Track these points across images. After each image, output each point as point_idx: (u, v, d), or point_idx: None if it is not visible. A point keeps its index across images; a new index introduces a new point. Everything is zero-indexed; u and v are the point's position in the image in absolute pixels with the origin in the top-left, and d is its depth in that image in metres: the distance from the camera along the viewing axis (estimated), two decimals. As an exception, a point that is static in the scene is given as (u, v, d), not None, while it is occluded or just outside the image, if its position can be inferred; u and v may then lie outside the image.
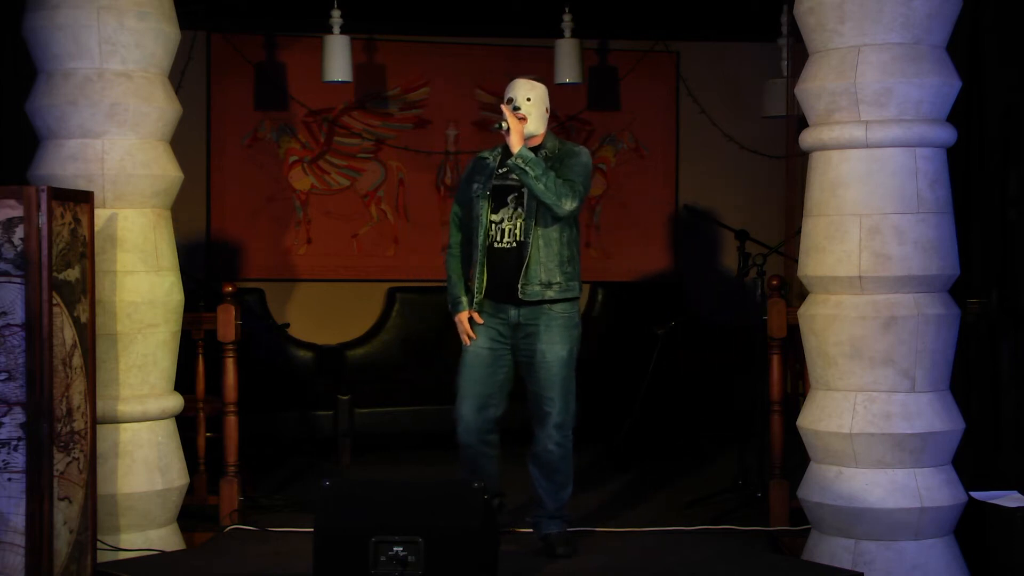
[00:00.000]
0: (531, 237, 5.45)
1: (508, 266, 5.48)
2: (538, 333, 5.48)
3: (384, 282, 9.01)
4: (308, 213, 9.14)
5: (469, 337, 5.55)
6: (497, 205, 5.52)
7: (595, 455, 7.40)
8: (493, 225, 5.51)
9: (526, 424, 5.66)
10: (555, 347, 5.50)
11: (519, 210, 5.48)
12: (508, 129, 5.42)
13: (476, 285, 5.53)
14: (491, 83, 9.27)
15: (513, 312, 5.50)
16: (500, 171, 5.56)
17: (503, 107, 5.49)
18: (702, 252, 9.25)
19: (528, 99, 5.50)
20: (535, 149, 5.50)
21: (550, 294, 5.47)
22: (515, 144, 5.40)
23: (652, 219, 9.58)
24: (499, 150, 5.62)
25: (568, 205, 5.39)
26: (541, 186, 5.35)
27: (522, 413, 5.67)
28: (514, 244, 5.48)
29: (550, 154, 5.52)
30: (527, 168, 5.36)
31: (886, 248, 5.03)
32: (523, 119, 5.46)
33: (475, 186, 5.58)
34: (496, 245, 5.51)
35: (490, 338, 5.55)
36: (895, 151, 5.04)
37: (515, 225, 5.48)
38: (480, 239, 5.52)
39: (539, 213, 5.45)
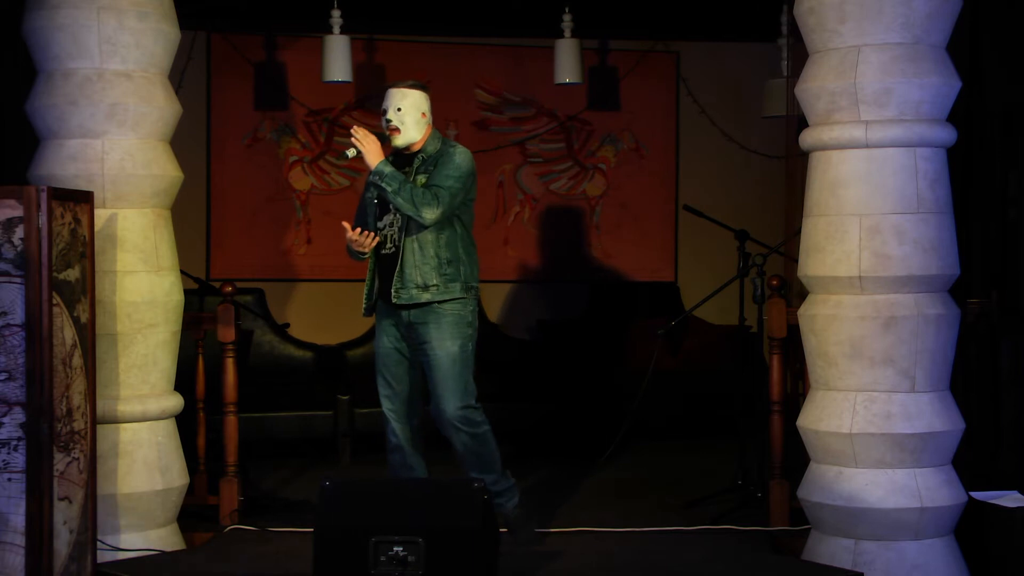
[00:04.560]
0: (403, 242, 5.51)
1: (390, 271, 5.55)
2: (428, 331, 5.52)
3: (384, 282, 8.97)
4: (308, 213, 9.14)
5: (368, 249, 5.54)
6: (382, 212, 5.61)
7: (594, 456, 7.39)
8: (379, 232, 5.59)
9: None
10: (445, 343, 5.52)
11: (397, 216, 5.54)
12: (359, 154, 5.48)
13: (367, 290, 5.65)
14: (491, 83, 9.28)
15: (404, 313, 5.56)
16: None
17: (353, 130, 5.54)
18: (702, 252, 9.24)
19: (399, 109, 5.55)
20: (413, 155, 5.56)
21: (427, 296, 5.50)
22: (372, 161, 5.48)
23: (652, 219, 9.58)
24: (390, 158, 5.63)
25: (429, 214, 5.43)
26: (400, 200, 5.43)
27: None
28: (393, 249, 5.55)
29: (428, 157, 5.56)
30: (384, 184, 5.45)
31: (886, 248, 5.02)
32: (395, 131, 5.52)
33: (367, 195, 5.67)
34: (383, 251, 5.59)
35: (393, 337, 5.63)
36: (895, 151, 5.04)
37: (394, 231, 5.55)
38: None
39: (410, 219, 5.50)
